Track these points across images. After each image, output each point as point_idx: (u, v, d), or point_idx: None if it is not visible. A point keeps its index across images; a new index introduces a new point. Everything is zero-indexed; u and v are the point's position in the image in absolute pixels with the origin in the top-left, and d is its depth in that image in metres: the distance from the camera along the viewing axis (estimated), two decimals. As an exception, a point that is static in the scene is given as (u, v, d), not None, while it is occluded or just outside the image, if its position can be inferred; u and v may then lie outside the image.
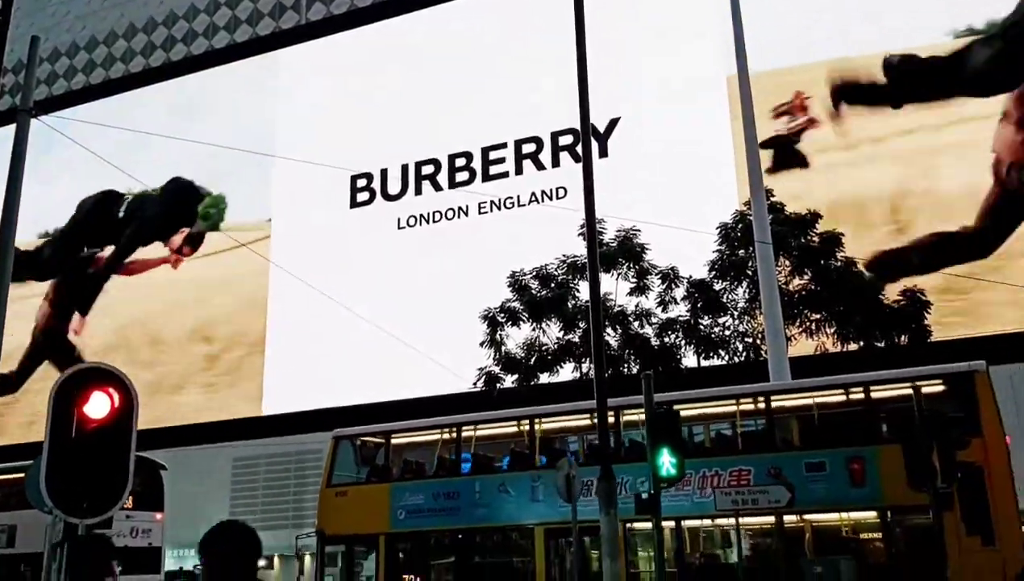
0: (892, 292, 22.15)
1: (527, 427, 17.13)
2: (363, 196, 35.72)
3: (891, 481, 13.02)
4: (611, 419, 15.90)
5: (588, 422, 16.79)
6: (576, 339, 23.85)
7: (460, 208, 33.64)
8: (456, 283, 30.47)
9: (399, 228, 34.48)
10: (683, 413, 14.18)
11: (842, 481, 13.68)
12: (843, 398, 15.31)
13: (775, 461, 14.20)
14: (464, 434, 17.50)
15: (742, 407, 15.40)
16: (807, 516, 14.22)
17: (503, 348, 24.80)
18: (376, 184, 35.54)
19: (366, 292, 31.66)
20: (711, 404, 16.03)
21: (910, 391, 14.44)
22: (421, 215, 34.32)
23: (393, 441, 18.33)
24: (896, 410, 14.82)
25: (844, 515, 14.27)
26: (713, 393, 16.26)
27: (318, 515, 17.97)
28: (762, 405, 15.33)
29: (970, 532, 12.04)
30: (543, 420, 17.26)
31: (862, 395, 14.89)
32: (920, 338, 21.66)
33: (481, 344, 24.94)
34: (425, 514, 16.64)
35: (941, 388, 14.53)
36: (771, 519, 14.28)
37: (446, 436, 17.73)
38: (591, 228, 13.83)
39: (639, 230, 23.83)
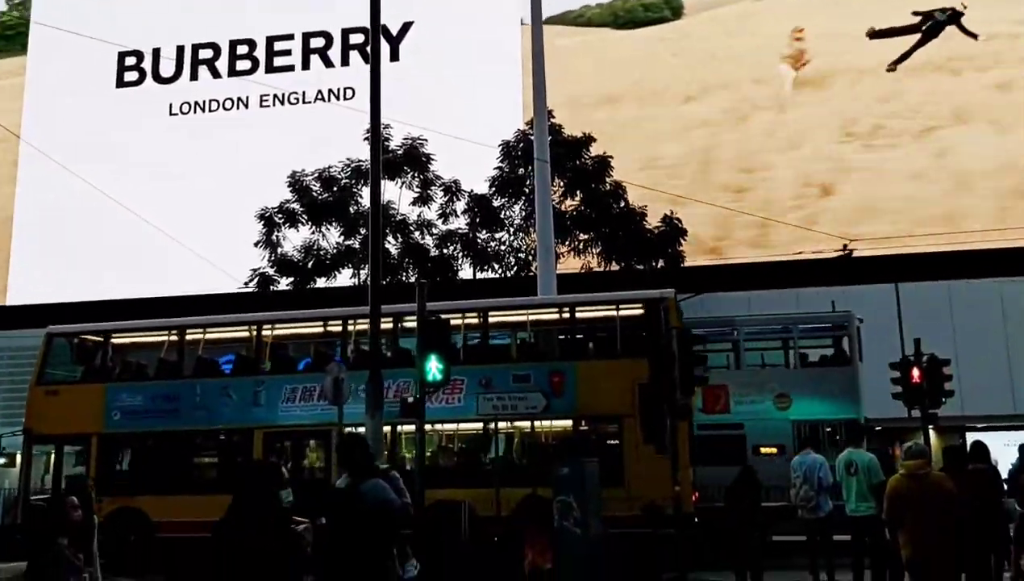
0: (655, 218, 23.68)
1: (254, 333, 17.14)
2: (132, 76, 33.03)
3: (586, 393, 14.65)
4: (353, 326, 16.73)
5: (320, 330, 17.38)
6: (356, 245, 23.74)
7: (240, 99, 31.99)
8: (232, 179, 29.15)
9: (171, 114, 32.31)
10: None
11: (546, 392, 14.69)
12: (555, 316, 16.51)
13: (487, 372, 15.08)
14: (191, 337, 17.34)
15: (467, 321, 16.02)
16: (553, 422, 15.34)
17: (279, 250, 24.26)
18: (147, 64, 32.95)
19: (130, 180, 29.55)
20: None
21: (614, 312, 15.75)
22: (196, 103, 32.32)
23: (114, 341, 17.74)
24: (601, 329, 16.32)
25: (546, 423, 15.36)
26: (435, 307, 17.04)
27: (26, 414, 17.25)
28: (479, 319, 16.19)
29: (646, 440, 13.56)
30: (272, 326, 17.34)
31: (568, 315, 16.12)
32: (675, 262, 23.45)
33: (256, 244, 24.25)
34: (142, 415, 16.45)
35: (639, 311, 15.80)
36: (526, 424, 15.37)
37: (172, 338, 17.44)
38: (375, 133, 13.72)
39: (426, 140, 23.85)
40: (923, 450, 7.75)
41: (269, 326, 17.35)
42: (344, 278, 24.26)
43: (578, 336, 16.37)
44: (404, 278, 23.35)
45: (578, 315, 16.25)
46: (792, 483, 12.64)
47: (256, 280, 24.17)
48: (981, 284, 23.51)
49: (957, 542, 7.79)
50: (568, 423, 15.31)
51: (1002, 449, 16.51)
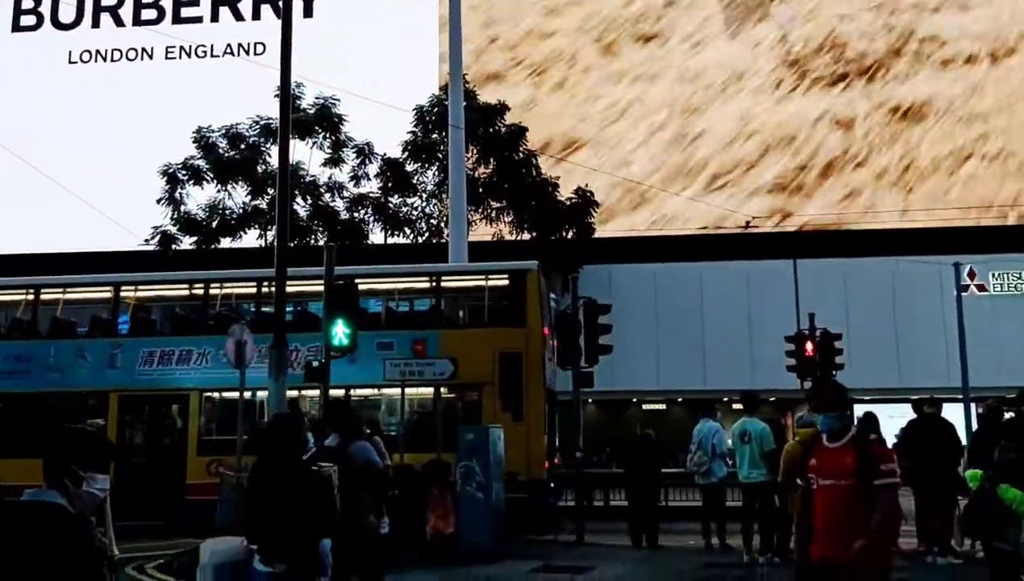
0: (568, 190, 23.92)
1: (113, 294, 16.76)
2: (28, 20, 31.41)
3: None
4: (219, 289, 16.57)
5: (185, 292, 17.14)
6: (264, 206, 23.21)
7: (144, 49, 30.78)
8: (134, 132, 28.07)
9: (70, 62, 30.90)
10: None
11: (375, 360, 14.41)
12: (423, 285, 16.61)
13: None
14: (48, 297, 16.84)
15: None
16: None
17: (182, 208, 23.55)
18: (45, 8, 31.33)
19: (25, 129, 28.19)
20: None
21: (481, 282, 15.95)
22: (98, 51, 30.98)
23: None
24: (467, 299, 16.53)
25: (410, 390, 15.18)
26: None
27: None
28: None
29: (504, 408, 13.89)
30: (135, 288, 17.02)
31: (435, 284, 16.25)
32: (586, 234, 23.75)
33: (158, 201, 23.48)
34: None
35: (505, 282, 16.01)
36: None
37: (28, 298, 16.90)
38: (286, 90, 13.36)
39: (338, 100, 23.41)
40: (812, 420, 8.13)
41: (130, 287, 16.94)
42: (250, 239, 23.74)
43: (444, 305, 16.44)
44: (313, 241, 22.98)
45: (445, 284, 16.35)
46: (689, 450, 13.04)
47: (157, 238, 23.42)
48: (874, 262, 24.55)
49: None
50: (430, 391, 15.27)
51: (888, 421, 17.37)
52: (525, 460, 13.71)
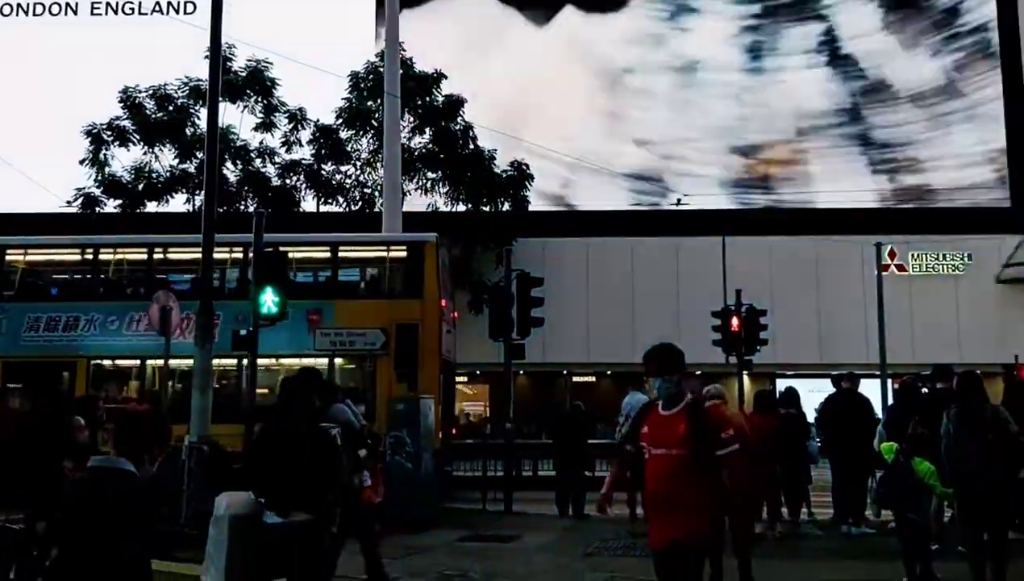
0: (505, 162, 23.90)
1: None
2: (-59, -31, 29.87)
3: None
4: (112, 254, 16.28)
5: (77, 257, 16.75)
6: (192, 169, 22.65)
7: (69, 4, 29.61)
8: (56, 89, 27.00)
9: (-11, 15, 29.53)
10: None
11: (302, 329, 14.52)
12: (322, 254, 16.43)
13: (244, 309, 14.70)
14: None
15: (233, 255, 15.57)
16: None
17: (107, 169, 22.84)
18: (-39, -42, 29.86)
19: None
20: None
21: (382, 253, 15.97)
22: (19, 5, 29.69)
23: None
24: (366, 269, 16.49)
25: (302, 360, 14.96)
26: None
27: None
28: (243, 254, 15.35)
29: (399, 379, 14.08)
30: (25, 251, 16.53)
31: (333, 253, 16.15)
32: (521, 207, 23.81)
33: (81, 162, 22.73)
34: None
35: (403, 253, 16.04)
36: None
37: None
38: (215, 51, 12.97)
39: (271, 63, 22.89)
40: (720, 392, 8.44)
41: (18, 251, 16.42)
42: (177, 204, 23.18)
43: (342, 275, 16.36)
44: (243, 207, 22.55)
45: (344, 254, 16.26)
46: (617, 421, 13.26)
47: (80, 200, 22.70)
48: (800, 241, 25.17)
49: (753, 475, 8.63)
50: (324, 362, 15.08)
51: (807, 395, 17.92)
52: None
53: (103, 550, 3.29)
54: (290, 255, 15.59)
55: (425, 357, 14.67)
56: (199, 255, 11.66)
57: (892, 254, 24.91)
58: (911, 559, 7.62)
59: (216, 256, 12.47)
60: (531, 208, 24.33)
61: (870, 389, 14.42)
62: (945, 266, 25.94)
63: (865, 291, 23.11)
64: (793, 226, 25.87)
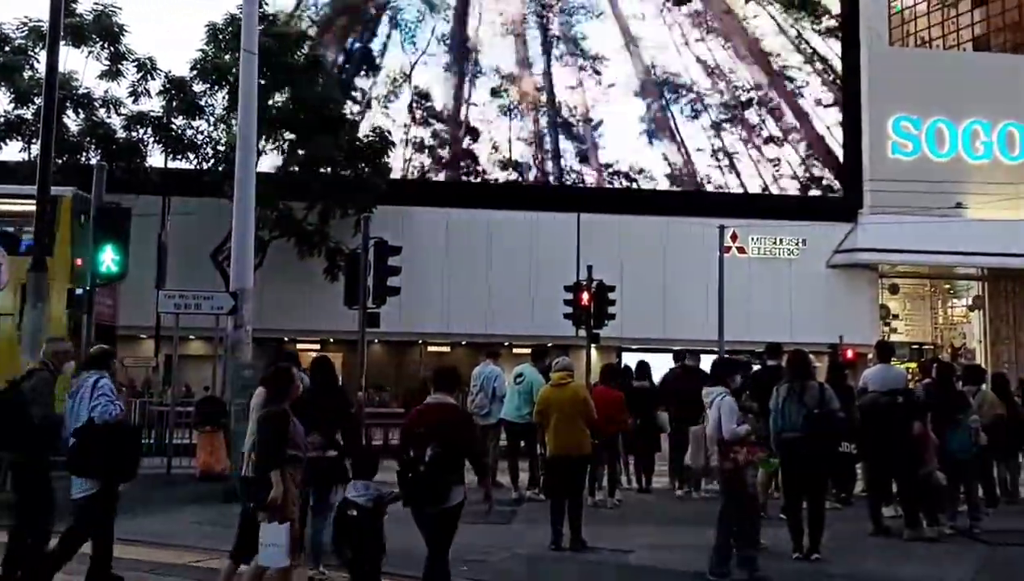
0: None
1: None
2: None
3: None
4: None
5: None
6: (29, 116, 21.14)
7: None
8: None
9: None
10: None
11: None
12: None
13: None
14: None
15: None
16: None
17: (-70, 113, 21.04)
18: None
19: None
20: None
21: (18, 207, 15.26)
22: None
23: None
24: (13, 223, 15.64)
25: None
26: None
27: None
28: None
29: None
30: None
31: None
32: (382, 174, 23.57)
33: (-99, 103, 20.83)
34: None
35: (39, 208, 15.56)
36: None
37: None
38: (56, -8, 12.21)
39: (120, 8, 21.59)
40: (568, 364, 9.05)
41: None
42: (12, 152, 21.63)
43: None
44: (84, 159, 21.26)
45: None
46: (470, 391, 13.43)
47: None
48: (648, 221, 26.10)
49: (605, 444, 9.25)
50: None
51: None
52: None
53: None
54: None
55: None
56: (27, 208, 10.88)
57: (734, 237, 26.12)
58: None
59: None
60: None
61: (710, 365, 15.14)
62: (781, 250, 27.51)
63: (708, 271, 24.16)
64: (645, 206, 26.80)
